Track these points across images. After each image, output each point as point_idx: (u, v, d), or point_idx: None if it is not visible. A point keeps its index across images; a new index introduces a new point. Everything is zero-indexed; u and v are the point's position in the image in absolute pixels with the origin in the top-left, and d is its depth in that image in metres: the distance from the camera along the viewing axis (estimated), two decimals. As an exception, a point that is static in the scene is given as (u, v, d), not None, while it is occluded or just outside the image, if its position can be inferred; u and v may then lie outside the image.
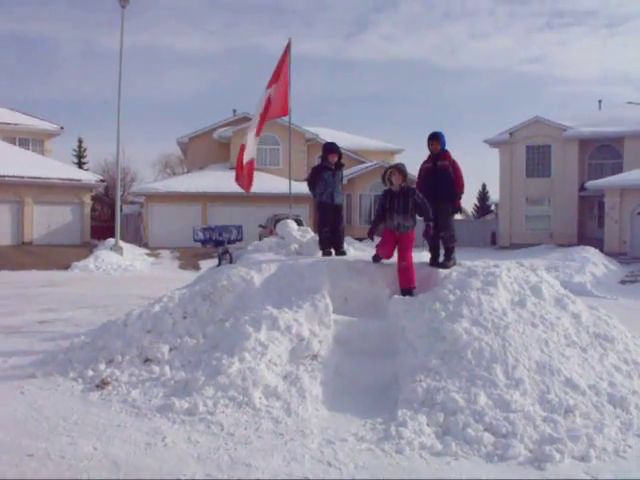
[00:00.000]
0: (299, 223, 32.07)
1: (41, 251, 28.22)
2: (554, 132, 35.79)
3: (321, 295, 8.01)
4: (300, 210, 33.74)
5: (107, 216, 43.83)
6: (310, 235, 10.11)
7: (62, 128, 40.87)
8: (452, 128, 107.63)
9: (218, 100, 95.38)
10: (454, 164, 9.11)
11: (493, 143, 38.03)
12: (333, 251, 9.49)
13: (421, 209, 8.72)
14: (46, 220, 31.80)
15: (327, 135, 41.70)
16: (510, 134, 36.93)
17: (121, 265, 24.87)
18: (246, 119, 39.51)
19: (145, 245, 32.82)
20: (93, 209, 36.91)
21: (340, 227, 9.71)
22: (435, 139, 9.24)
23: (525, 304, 7.71)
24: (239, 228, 10.34)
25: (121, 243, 27.46)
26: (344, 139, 43.80)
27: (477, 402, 6.23)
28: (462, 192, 9.14)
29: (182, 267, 26.72)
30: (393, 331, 7.88)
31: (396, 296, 8.20)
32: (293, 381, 6.73)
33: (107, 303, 13.59)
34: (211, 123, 40.83)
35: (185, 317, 8.11)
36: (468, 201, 72.82)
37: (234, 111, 42.45)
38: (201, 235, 10.10)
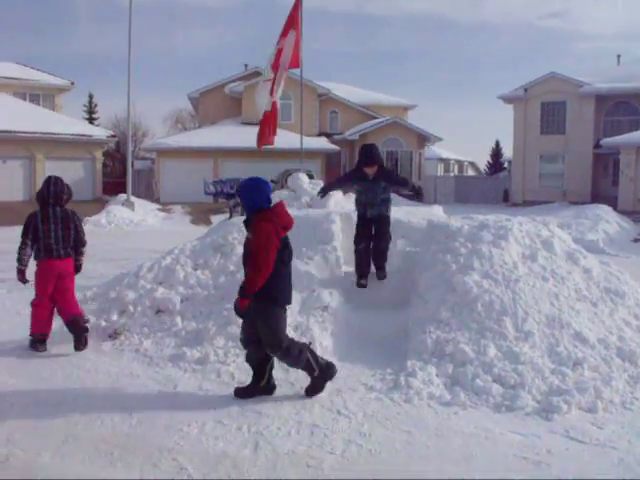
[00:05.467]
0: (310, 177, 32.04)
1: (53, 206, 28.30)
2: (570, 88, 35.20)
3: (332, 247, 8.02)
4: (312, 165, 33.58)
5: (119, 172, 43.88)
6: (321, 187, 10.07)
7: (73, 83, 40.59)
8: (468, 84, 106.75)
9: (230, 55, 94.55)
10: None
11: (507, 99, 37.53)
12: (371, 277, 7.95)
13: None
14: (58, 175, 31.80)
15: (339, 90, 41.41)
16: (525, 90, 36.41)
17: (133, 220, 24.95)
18: (257, 74, 39.00)
19: (157, 200, 32.87)
20: (104, 165, 36.98)
21: (381, 245, 7.96)
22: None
23: (536, 258, 7.68)
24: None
25: (133, 198, 27.49)
26: (357, 94, 43.46)
27: (486, 354, 6.26)
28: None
29: (194, 222, 26.73)
30: (404, 283, 7.91)
31: (408, 248, 8.20)
32: (304, 332, 6.78)
33: (119, 257, 13.69)
34: (222, 78, 40.50)
35: (196, 269, 8.15)
36: (481, 158, 72.32)
37: (245, 66, 42.00)
38: (212, 188, 10.21)
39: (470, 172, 64.12)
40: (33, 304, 7.02)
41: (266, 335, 5.42)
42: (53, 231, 6.94)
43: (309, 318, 7.04)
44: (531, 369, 6.03)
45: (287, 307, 5.66)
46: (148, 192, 36.92)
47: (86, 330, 6.87)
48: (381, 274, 7.98)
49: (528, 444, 4.85)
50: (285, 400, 5.51)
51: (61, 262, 7.02)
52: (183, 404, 5.40)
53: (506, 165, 63.04)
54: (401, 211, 9.33)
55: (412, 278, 7.83)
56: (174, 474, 4.20)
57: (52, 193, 7.01)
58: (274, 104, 12.97)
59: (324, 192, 8.54)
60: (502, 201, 39.33)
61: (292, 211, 9.22)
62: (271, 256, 5.26)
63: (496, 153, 67.30)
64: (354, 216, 8.71)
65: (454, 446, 4.81)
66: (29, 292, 8.71)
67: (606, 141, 31.50)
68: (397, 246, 8.50)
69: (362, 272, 7.94)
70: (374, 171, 7.79)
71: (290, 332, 6.74)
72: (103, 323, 7.55)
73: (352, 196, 10.53)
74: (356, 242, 7.95)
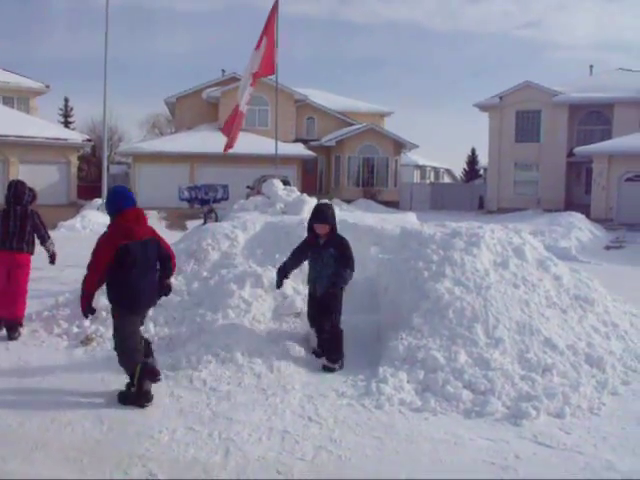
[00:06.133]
0: (286, 184, 32.00)
1: (27, 210, 28.01)
2: (544, 97, 35.66)
3: (305, 254, 8.04)
4: (288, 171, 33.58)
5: (94, 176, 43.48)
6: (296, 194, 10.11)
7: (48, 86, 40.21)
8: (444, 92, 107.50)
9: (207, 60, 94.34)
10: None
11: (483, 107, 37.92)
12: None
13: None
14: (32, 180, 31.04)
15: (317, 96, 41.54)
16: (500, 98, 36.79)
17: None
18: (235, 79, 39.07)
19: (132, 205, 32.62)
20: (80, 169, 36.64)
21: (325, 327, 6.75)
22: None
23: (507, 265, 7.77)
24: (225, 187, 10.35)
25: (107, 203, 27.27)
26: (334, 100, 43.62)
27: (457, 360, 6.32)
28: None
29: (169, 227, 26.62)
30: (377, 289, 7.97)
31: (381, 255, 8.25)
32: (274, 339, 6.80)
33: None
34: (199, 83, 40.42)
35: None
36: (457, 165, 72.82)
37: (223, 71, 41.99)
38: (187, 194, 10.10)
39: (446, 179, 64.55)
40: None
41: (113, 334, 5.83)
42: (11, 227, 7.63)
43: (282, 324, 7.07)
44: (501, 375, 6.10)
45: (141, 311, 5.85)
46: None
47: (16, 337, 7.44)
48: (329, 366, 6.58)
49: (497, 449, 4.92)
50: (257, 406, 5.52)
51: (11, 254, 7.62)
52: (155, 411, 5.39)
53: (482, 172, 63.60)
54: (375, 218, 9.40)
55: (384, 284, 7.88)
56: (143, 480, 4.20)
57: (12, 194, 7.78)
58: (236, 108, 12.87)
59: (281, 277, 6.90)
60: (477, 208, 39.65)
61: (266, 217, 9.30)
62: (97, 263, 5.52)
63: (472, 160, 67.81)
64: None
65: (424, 451, 4.86)
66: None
67: (579, 150, 31.91)
68: (370, 252, 8.56)
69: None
70: (325, 233, 6.79)
71: (263, 338, 6.79)
72: (75, 329, 7.51)
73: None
74: (310, 324, 7.10)
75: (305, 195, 10.13)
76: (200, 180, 32.50)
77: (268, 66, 11.87)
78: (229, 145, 12.28)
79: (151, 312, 7.42)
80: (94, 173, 44.51)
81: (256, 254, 8.23)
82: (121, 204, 5.67)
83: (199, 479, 4.26)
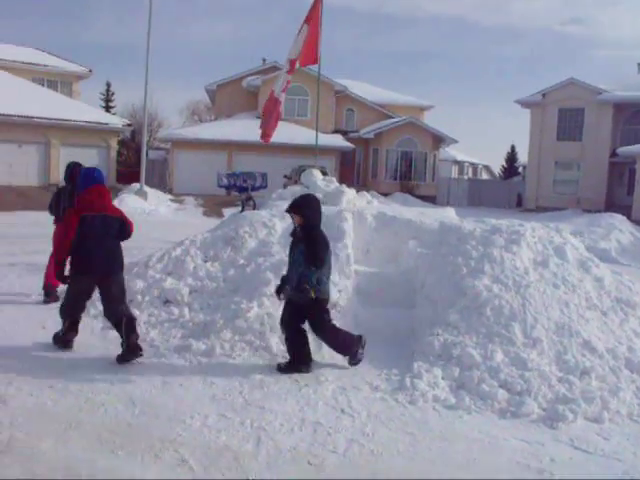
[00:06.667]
0: (324, 174, 31.92)
1: (67, 193, 28.36)
2: (588, 95, 34.99)
3: (343, 245, 7.99)
4: (326, 162, 33.56)
5: (132, 161, 43.94)
6: (334, 185, 10.05)
7: (91, 71, 40.73)
8: (485, 87, 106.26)
9: (247, 49, 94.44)
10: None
11: (525, 104, 37.36)
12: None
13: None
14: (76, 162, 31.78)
15: (356, 88, 41.35)
16: (543, 95, 36.20)
17: (145, 210, 24.96)
18: (275, 68, 39.06)
19: (169, 191, 32.90)
20: (119, 154, 37.01)
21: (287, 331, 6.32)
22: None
23: (548, 264, 7.62)
24: (264, 175, 10.34)
25: (146, 188, 27.53)
26: (373, 93, 43.39)
27: (493, 359, 6.22)
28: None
29: (206, 214, 26.73)
30: (413, 284, 7.87)
31: (419, 249, 8.16)
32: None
33: (130, 245, 13.61)
34: (240, 71, 40.49)
35: (206, 261, 8.15)
36: (495, 162, 71.96)
37: (264, 60, 41.97)
38: (225, 181, 10.12)
39: (484, 176, 63.84)
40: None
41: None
42: (62, 203, 8.26)
43: (317, 315, 7.01)
44: (538, 376, 5.98)
45: (92, 274, 6.37)
46: (161, 182, 36.96)
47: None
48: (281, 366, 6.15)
49: (532, 452, 4.82)
50: (290, 396, 5.49)
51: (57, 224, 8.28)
52: (187, 396, 5.39)
53: (521, 170, 62.79)
54: (414, 212, 9.29)
55: (421, 279, 7.78)
56: (175, 466, 4.19)
57: (68, 174, 8.46)
58: (271, 95, 12.68)
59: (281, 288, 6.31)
60: (515, 206, 39.17)
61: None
62: (68, 232, 6.28)
63: (511, 157, 67.00)
64: (367, 214, 8.69)
65: (457, 450, 4.78)
66: (39, 277, 8.81)
67: (622, 150, 31.30)
68: (408, 246, 8.47)
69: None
70: (299, 223, 6.32)
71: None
72: (111, 311, 7.55)
73: (365, 194, 10.52)
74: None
75: (344, 186, 10.07)
76: (237, 168, 32.62)
77: (310, 56, 11.74)
78: (267, 134, 12.21)
79: (186, 298, 7.50)
80: (133, 158, 44.98)
81: (293, 243, 8.19)
82: (87, 182, 6.53)
83: (230, 467, 4.23)
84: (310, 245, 6.07)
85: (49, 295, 8.37)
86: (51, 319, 7.38)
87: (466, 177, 53.17)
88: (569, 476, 4.46)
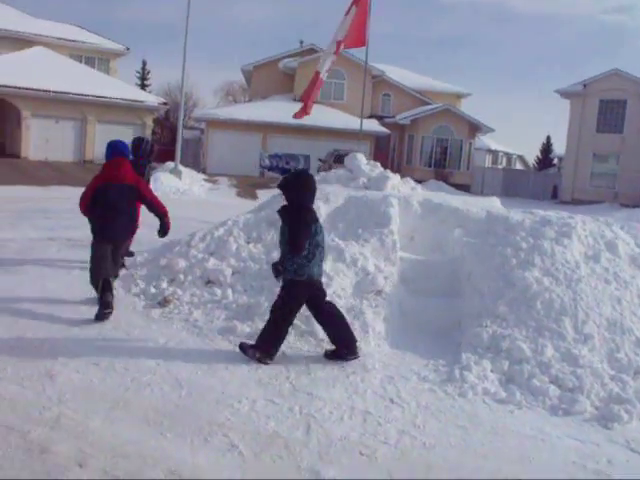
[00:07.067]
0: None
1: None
2: (632, 87, 34.16)
3: (389, 231, 7.84)
4: (360, 147, 33.25)
5: (167, 139, 44.09)
6: (379, 170, 9.89)
7: (128, 49, 40.80)
8: (523, 76, 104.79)
9: (283, 31, 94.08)
10: None
11: (565, 94, 36.65)
12: None
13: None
14: (108, 139, 31.72)
15: (393, 73, 40.96)
16: (584, 85, 35.46)
17: (179, 189, 24.98)
18: (312, 51, 38.89)
19: (203, 171, 32.90)
20: (153, 132, 37.06)
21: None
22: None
23: (599, 259, 7.40)
24: (307, 157, 10.23)
25: (180, 167, 27.54)
26: (410, 78, 42.95)
27: (544, 353, 6.05)
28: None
29: (239, 195, 26.73)
30: (460, 273, 7.70)
31: (465, 238, 7.98)
32: (357, 315, 6.64)
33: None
34: (277, 53, 40.30)
35: (249, 242, 8.05)
36: (530, 152, 70.99)
37: (301, 42, 41.69)
38: (267, 162, 10.13)
39: (518, 166, 63.08)
40: None
41: None
42: None
43: (362, 301, 6.89)
44: (590, 373, 5.80)
45: (109, 240, 6.98)
46: (195, 162, 36.95)
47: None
48: (243, 346, 5.88)
49: (587, 452, 4.66)
50: (337, 383, 5.38)
51: None
52: (233, 379, 5.30)
53: (556, 161, 61.93)
54: (459, 200, 9.09)
55: (468, 269, 7.61)
56: (225, 450, 4.10)
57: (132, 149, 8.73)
58: (315, 75, 12.50)
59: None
60: (550, 198, 38.58)
61: (349, 191, 9.10)
62: (85, 193, 6.93)
63: (546, 148, 66.13)
64: (413, 201, 8.53)
65: (510, 446, 4.64)
66: (79, 250, 8.80)
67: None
68: (454, 234, 8.30)
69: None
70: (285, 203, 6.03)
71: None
72: (152, 290, 7.51)
73: (409, 181, 10.34)
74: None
75: (388, 171, 9.90)
76: (272, 150, 32.54)
77: (358, 38, 11.53)
78: (304, 111, 12.05)
79: (229, 279, 7.41)
80: (167, 136, 45.13)
81: (338, 228, 8.06)
82: (109, 154, 7.08)
83: (281, 454, 4.14)
84: (290, 229, 5.73)
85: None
86: (94, 297, 7.36)
87: (500, 167, 52.57)
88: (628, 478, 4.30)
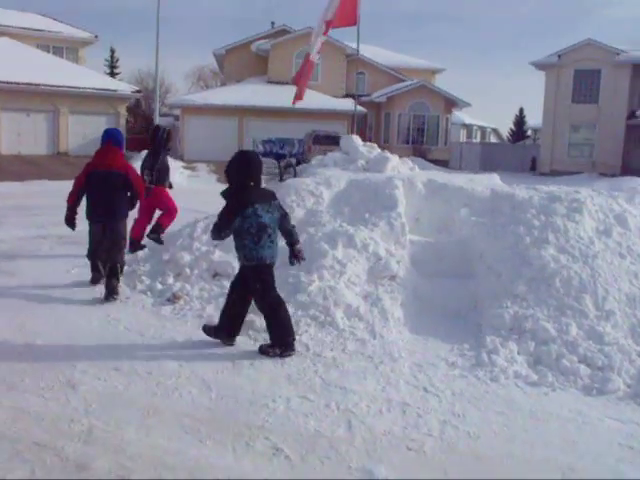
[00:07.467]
0: (337, 140, 31.28)
1: (78, 161, 27.81)
2: (606, 56, 34.25)
3: (397, 214, 7.68)
4: (338, 127, 33.12)
5: (140, 128, 43.37)
6: (377, 151, 9.70)
7: (97, 37, 40.01)
8: (490, 49, 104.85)
9: (254, 12, 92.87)
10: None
11: (540, 65, 36.63)
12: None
13: None
14: (81, 130, 31.34)
15: (366, 51, 40.49)
16: (559, 56, 35.48)
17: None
18: (285, 32, 38.45)
19: (180, 158, 32.45)
20: (127, 121, 36.42)
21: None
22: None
23: (611, 234, 7.30)
24: (301, 141, 9.97)
25: (158, 155, 27.05)
26: (384, 55, 42.64)
27: (569, 332, 5.95)
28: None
29: (220, 181, 26.32)
30: (470, 254, 7.57)
31: (473, 218, 7.85)
32: (374, 302, 6.49)
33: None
34: (249, 35, 39.73)
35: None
36: (503, 124, 71.11)
37: (272, 24, 41.21)
38: (261, 148, 9.88)
39: (493, 139, 63.25)
40: None
41: None
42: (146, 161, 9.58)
43: (377, 287, 6.74)
44: (617, 350, 5.71)
45: (95, 221, 7.32)
46: (171, 149, 36.41)
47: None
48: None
49: (630, 432, 4.57)
50: (368, 375, 5.22)
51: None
52: (261, 377, 5.11)
53: (530, 133, 62.18)
54: (463, 178, 8.95)
55: (479, 249, 7.48)
56: (270, 455, 3.93)
57: (150, 137, 9.69)
58: (306, 58, 12.30)
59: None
60: (529, 169, 38.68)
61: (349, 174, 8.91)
62: (76, 181, 7.36)
63: (520, 121, 66.31)
64: (417, 182, 8.37)
65: (553, 430, 4.53)
66: (72, 247, 8.58)
67: (643, 112, 30.72)
68: (461, 214, 8.16)
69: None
70: None
71: (360, 301, 6.48)
72: (159, 286, 7.29)
73: (407, 161, 10.16)
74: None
75: (387, 152, 9.72)
76: (249, 134, 32.17)
77: (348, 16, 11.28)
78: (298, 96, 11.80)
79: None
80: (140, 124, 44.38)
81: (344, 212, 7.87)
82: (102, 141, 7.49)
83: (328, 455, 3.98)
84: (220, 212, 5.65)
85: (134, 246, 9.02)
86: (99, 296, 7.14)
87: (474, 141, 52.63)
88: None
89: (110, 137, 7.47)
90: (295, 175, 9.43)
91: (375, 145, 10.06)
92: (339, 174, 8.89)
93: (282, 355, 5.53)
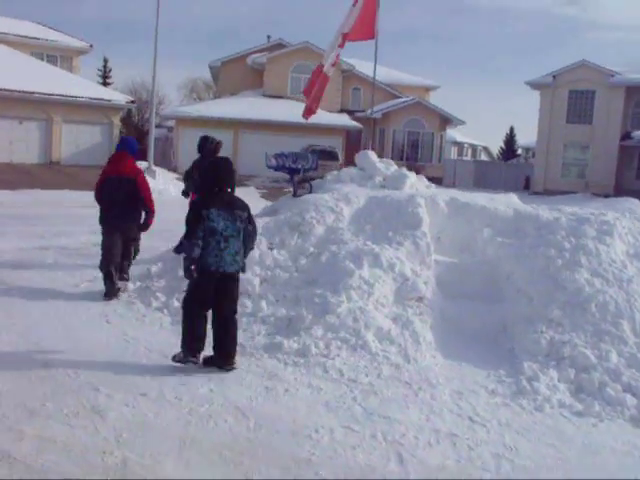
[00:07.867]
0: (334, 155, 30.77)
1: (71, 171, 27.56)
2: (600, 77, 34.33)
3: (421, 233, 7.44)
4: (333, 142, 32.96)
5: (132, 139, 42.91)
6: (394, 167, 9.48)
7: (91, 46, 39.61)
8: (481, 69, 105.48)
9: (250, 25, 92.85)
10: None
11: (534, 85, 36.68)
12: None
13: None
14: (74, 140, 30.94)
15: (363, 67, 40.47)
16: (553, 77, 35.52)
17: (155, 189, 24.08)
18: (280, 45, 38.29)
19: (174, 169, 32.10)
20: (120, 131, 36.06)
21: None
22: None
23: (642, 256, 7.12)
24: (314, 156, 9.63)
25: (153, 167, 26.75)
26: (380, 72, 42.42)
27: (609, 359, 5.75)
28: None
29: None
30: (496, 275, 7.35)
31: (499, 239, 7.63)
32: (405, 324, 6.23)
33: (159, 228, 13.00)
34: (244, 48, 39.52)
35: (271, 248, 7.57)
36: (493, 143, 71.36)
37: (268, 37, 41.03)
38: (274, 162, 9.38)
39: (483, 157, 63.34)
40: None
41: None
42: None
43: (406, 309, 6.48)
44: (661, 379, 5.50)
45: (108, 226, 7.58)
46: (164, 161, 36.04)
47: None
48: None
49: (689, 467, 4.34)
50: (409, 403, 4.96)
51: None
52: (298, 404, 4.82)
53: (520, 152, 62.36)
54: (484, 197, 8.73)
55: (506, 270, 7.26)
56: (324, 492, 3.66)
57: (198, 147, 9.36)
58: (317, 70, 11.97)
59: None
60: (522, 189, 38.64)
61: (367, 191, 8.66)
62: (95, 189, 7.79)
63: (510, 139, 66.52)
64: (439, 200, 8.15)
65: (611, 465, 4.33)
66: (77, 259, 8.30)
67: (637, 133, 30.78)
68: (484, 235, 7.93)
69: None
70: None
71: (390, 324, 6.23)
72: (176, 303, 6.98)
73: (423, 179, 9.94)
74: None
75: (404, 169, 9.50)
76: (244, 146, 31.93)
77: (366, 30, 11.07)
78: (310, 110, 11.52)
79: (258, 289, 6.94)
80: (132, 135, 43.94)
81: (365, 230, 7.61)
82: (117, 149, 7.95)
83: (384, 492, 3.71)
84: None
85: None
86: (113, 313, 6.85)
87: (465, 158, 52.66)
88: None
89: (125, 145, 7.93)
90: (311, 191, 9.12)
91: (392, 161, 9.82)
92: (357, 190, 8.64)
93: (176, 359, 5.35)
